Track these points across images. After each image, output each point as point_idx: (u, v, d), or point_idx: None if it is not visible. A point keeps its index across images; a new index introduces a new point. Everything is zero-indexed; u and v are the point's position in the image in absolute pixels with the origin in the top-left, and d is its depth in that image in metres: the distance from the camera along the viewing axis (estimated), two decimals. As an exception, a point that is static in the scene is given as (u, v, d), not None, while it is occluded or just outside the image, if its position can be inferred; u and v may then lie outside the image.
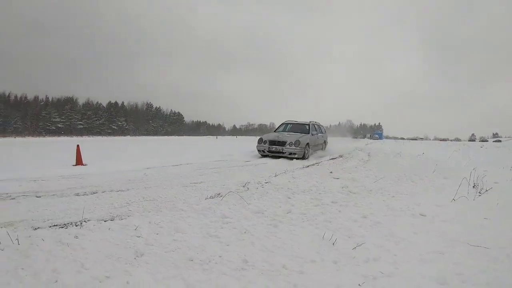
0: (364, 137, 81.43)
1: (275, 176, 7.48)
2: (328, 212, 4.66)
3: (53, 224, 4.00)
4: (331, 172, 8.52)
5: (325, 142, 18.48)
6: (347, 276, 2.79)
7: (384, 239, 3.70)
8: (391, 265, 3.02)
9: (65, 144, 24.82)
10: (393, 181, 7.54)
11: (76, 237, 3.33)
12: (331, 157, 14.94)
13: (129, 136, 70.80)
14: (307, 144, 14.21)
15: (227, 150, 17.62)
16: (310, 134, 15.16)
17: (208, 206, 4.63)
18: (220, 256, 3.02)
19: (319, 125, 17.88)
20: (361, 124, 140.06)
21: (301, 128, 16.04)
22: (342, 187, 6.30)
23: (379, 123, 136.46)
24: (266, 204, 4.94)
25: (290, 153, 13.43)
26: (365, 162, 12.53)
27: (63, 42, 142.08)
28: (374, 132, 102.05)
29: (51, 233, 3.46)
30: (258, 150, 14.47)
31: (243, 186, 6.16)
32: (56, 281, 2.48)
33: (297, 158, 13.33)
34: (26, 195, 5.64)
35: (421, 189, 6.76)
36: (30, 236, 3.30)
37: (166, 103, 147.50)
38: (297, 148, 13.41)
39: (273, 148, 13.86)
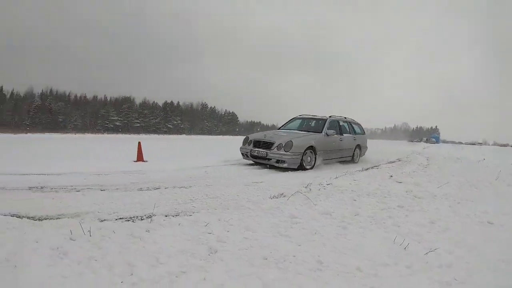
0: (421, 140, 78.72)
1: (336, 178, 7.43)
2: (396, 216, 4.54)
3: (119, 217, 4.13)
4: (391, 176, 8.36)
5: (359, 147, 13.22)
6: (422, 281, 2.71)
7: (455, 245, 3.53)
8: (464, 272, 2.88)
9: (124, 141, 25.53)
10: (457, 186, 7.24)
11: (148, 231, 3.38)
12: (389, 161, 13.66)
13: (184, 135, 71.97)
14: (310, 148, 9.98)
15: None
16: (322, 134, 10.80)
17: (276, 206, 4.59)
18: (294, 256, 2.97)
19: (350, 123, 13.15)
20: (417, 127, 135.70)
21: (313, 125, 11.75)
22: (406, 191, 6.13)
23: (436, 126, 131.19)
24: (332, 205, 4.85)
25: (278, 161, 9.39)
26: (424, 167, 11.92)
27: (120, 44, 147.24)
28: (430, 135, 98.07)
29: (118, 226, 3.54)
30: (242, 154, 10.69)
31: (305, 187, 6.10)
32: (132, 274, 2.50)
33: (287, 168, 9.48)
34: (90, 188, 5.87)
35: (485, 196, 6.43)
36: (101, 228, 3.37)
37: (220, 103, 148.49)
38: (287, 153, 9.27)
39: (255, 152, 9.97)
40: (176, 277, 2.49)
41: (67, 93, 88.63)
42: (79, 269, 2.54)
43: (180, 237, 3.28)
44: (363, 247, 3.37)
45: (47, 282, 2.36)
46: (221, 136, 65.12)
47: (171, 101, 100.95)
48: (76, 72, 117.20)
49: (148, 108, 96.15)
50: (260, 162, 10.01)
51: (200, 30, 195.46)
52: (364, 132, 14.24)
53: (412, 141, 68.67)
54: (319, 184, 6.43)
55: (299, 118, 12.52)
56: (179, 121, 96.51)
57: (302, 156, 9.62)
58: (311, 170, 9.84)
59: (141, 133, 71.85)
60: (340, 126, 12.10)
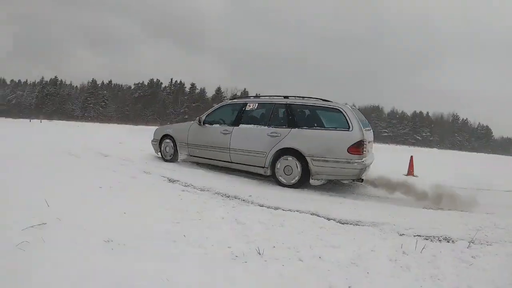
0: None
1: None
2: None
3: (416, 234, 4.04)
4: None
5: (301, 156, 6.45)
6: None
7: None
8: None
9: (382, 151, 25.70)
10: None
11: (473, 257, 3.31)
12: None
13: (435, 148, 66.65)
14: (169, 138, 8.60)
15: None
16: (195, 122, 8.20)
17: None
18: None
19: (290, 107, 6.98)
20: None
21: None
22: None
23: None
24: None
25: None
26: None
27: (362, 53, 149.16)
28: None
29: (441, 247, 3.58)
30: None
31: None
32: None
33: None
34: (369, 199, 6.21)
35: None
36: (427, 247, 3.45)
37: (473, 114, 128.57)
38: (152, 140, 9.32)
39: None
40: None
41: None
42: (427, 285, 2.72)
43: (499, 269, 3.14)
44: None
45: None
46: (474, 153, 52.63)
47: (420, 111, 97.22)
48: (326, 84, 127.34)
49: (396, 118, 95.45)
50: None
51: (437, 31, 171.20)
52: (349, 126, 6.37)
53: None
54: None
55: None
56: (428, 133, 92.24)
57: (160, 144, 8.84)
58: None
59: (389, 143, 70.79)
60: (242, 113, 7.48)
